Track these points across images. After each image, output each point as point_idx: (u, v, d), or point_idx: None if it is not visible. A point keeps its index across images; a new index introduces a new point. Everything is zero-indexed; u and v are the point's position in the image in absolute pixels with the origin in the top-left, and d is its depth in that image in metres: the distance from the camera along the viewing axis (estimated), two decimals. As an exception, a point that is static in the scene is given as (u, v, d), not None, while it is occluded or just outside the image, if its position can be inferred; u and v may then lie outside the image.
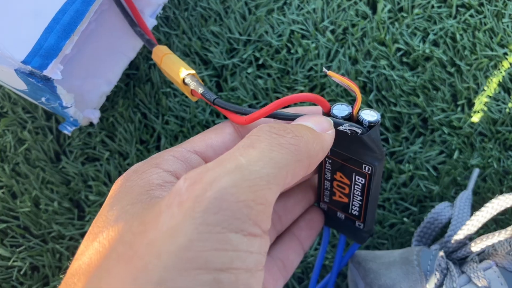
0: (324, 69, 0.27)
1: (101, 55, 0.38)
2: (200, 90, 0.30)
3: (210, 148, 0.27)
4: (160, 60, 0.34)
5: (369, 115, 0.27)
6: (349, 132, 0.27)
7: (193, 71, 0.31)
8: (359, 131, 0.27)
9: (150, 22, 0.39)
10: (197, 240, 0.18)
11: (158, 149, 0.42)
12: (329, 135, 0.25)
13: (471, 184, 0.39)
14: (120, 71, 0.38)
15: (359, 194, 0.30)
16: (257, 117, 0.27)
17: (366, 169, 0.29)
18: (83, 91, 0.37)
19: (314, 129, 0.25)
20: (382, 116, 0.42)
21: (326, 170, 0.31)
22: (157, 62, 0.35)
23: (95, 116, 0.37)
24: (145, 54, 0.43)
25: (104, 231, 0.21)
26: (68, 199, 0.41)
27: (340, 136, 0.26)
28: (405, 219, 0.40)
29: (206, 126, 0.42)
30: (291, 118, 0.26)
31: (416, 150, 0.42)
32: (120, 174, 0.42)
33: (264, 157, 0.21)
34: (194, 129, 0.42)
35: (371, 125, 0.27)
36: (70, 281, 0.20)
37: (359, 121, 0.27)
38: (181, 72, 0.31)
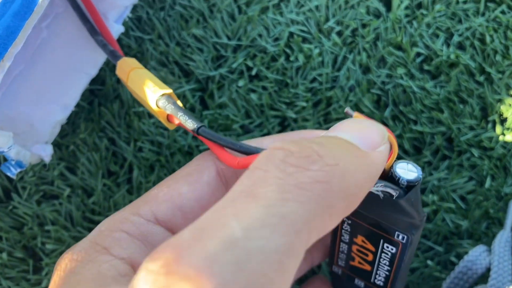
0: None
1: (55, 73, 0.30)
2: (180, 115, 0.23)
3: (179, 212, 0.20)
4: (127, 77, 0.26)
5: (407, 171, 0.20)
6: (381, 195, 0.20)
7: (169, 90, 0.24)
8: (395, 194, 0.20)
9: (116, 29, 0.31)
10: None
11: (129, 182, 0.34)
12: (381, 154, 0.17)
13: (509, 222, 0.33)
14: (79, 93, 0.31)
15: (387, 264, 0.23)
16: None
17: (400, 237, 0.22)
18: (32, 121, 0.29)
19: (356, 146, 0.17)
20: (400, 136, 0.35)
21: (343, 231, 0.24)
22: (122, 79, 0.27)
23: (46, 153, 0.29)
24: (112, 65, 0.35)
25: None
26: (20, 247, 0.34)
27: (368, 197, 0.19)
28: (429, 261, 0.34)
29: (188, 154, 0.35)
30: None
31: (440, 177, 0.35)
32: (84, 215, 0.34)
33: (271, 217, 0.13)
34: (173, 157, 0.34)
35: (410, 185, 0.20)
36: None
37: (393, 179, 0.20)
38: (154, 92, 0.24)
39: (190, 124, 0.22)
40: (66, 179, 0.34)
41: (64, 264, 0.18)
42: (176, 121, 0.24)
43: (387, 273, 0.23)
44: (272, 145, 0.16)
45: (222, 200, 0.14)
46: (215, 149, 0.21)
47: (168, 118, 0.24)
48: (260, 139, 0.22)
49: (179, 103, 0.23)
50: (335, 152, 0.15)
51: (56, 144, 0.34)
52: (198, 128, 0.22)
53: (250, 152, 0.20)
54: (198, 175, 0.21)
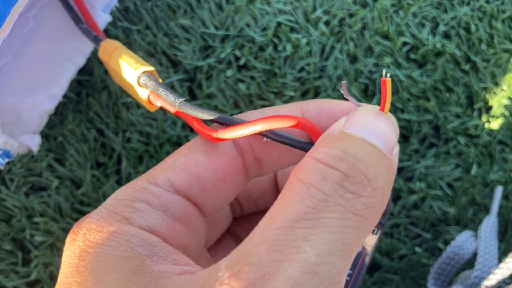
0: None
1: (42, 62, 0.30)
2: (161, 91, 0.22)
3: (197, 182, 0.20)
4: (109, 57, 0.26)
5: None
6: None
7: (151, 68, 0.24)
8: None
9: (103, 18, 0.31)
10: None
11: (118, 173, 0.34)
12: (396, 157, 0.19)
13: (495, 207, 0.33)
14: (66, 83, 0.31)
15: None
16: (235, 135, 0.20)
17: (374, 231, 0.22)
18: (19, 111, 0.29)
19: (384, 154, 0.18)
20: (388, 125, 0.36)
21: None
22: (105, 61, 0.27)
23: (34, 143, 0.29)
24: (99, 56, 0.35)
25: None
26: (9, 240, 0.34)
27: None
28: (417, 248, 0.34)
29: (177, 144, 0.35)
30: (297, 145, 0.20)
31: (428, 165, 0.35)
32: (73, 206, 0.34)
33: (336, 243, 0.15)
34: (162, 147, 0.34)
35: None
36: None
37: None
38: (136, 69, 0.23)
39: (171, 98, 0.21)
40: (55, 170, 0.34)
41: (81, 234, 0.17)
42: (158, 103, 0.23)
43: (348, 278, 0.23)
44: (321, 155, 0.17)
45: (285, 215, 0.15)
46: (195, 124, 0.21)
47: (150, 99, 0.23)
48: (265, 108, 0.22)
49: (161, 80, 0.23)
50: (377, 172, 0.17)
51: (44, 135, 0.34)
52: (180, 102, 0.21)
53: (234, 123, 0.20)
54: (214, 144, 0.20)
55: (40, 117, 0.30)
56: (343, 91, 0.19)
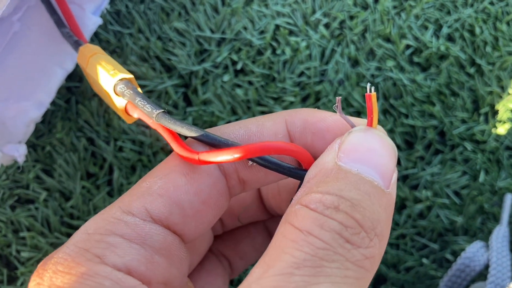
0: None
1: (28, 67, 0.28)
2: (138, 100, 0.20)
3: (177, 208, 0.18)
4: (86, 62, 0.24)
5: None
6: None
7: (130, 75, 0.22)
8: None
9: (93, 21, 0.29)
10: None
11: (110, 184, 0.33)
12: (395, 187, 0.18)
13: (505, 216, 0.32)
14: (54, 89, 0.29)
15: None
16: (219, 160, 0.18)
17: None
18: (3, 119, 0.27)
19: (382, 191, 0.17)
20: (392, 131, 0.34)
21: None
22: (82, 67, 0.25)
23: (20, 153, 0.27)
24: (89, 61, 0.34)
25: None
26: (-6, 256, 0.32)
27: None
28: (424, 259, 0.33)
29: (171, 152, 0.33)
30: (286, 172, 0.18)
31: (433, 172, 0.34)
32: (62, 220, 0.32)
33: None
34: (156, 156, 0.33)
35: None
36: None
37: None
38: (113, 76, 0.22)
39: (148, 109, 0.19)
40: (42, 182, 0.32)
41: (47, 277, 0.15)
42: (135, 114, 0.21)
43: None
44: (315, 204, 0.16)
45: (282, 262, 0.15)
46: (174, 141, 0.18)
47: (127, 109, 0.21)
48: (248, 121, 0.20)
49: (140, 90, 0.21)
50: (374, 218, 0.16)
51: (31, 145, 0.32)
52: (158, 114, 0.18)
53: (217, 144, 0.18)
54: (195, 168, 0.18)
55: (26, 126, 0.28)
56: (337, 109, 0.18)
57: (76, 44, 0.25)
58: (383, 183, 0.17)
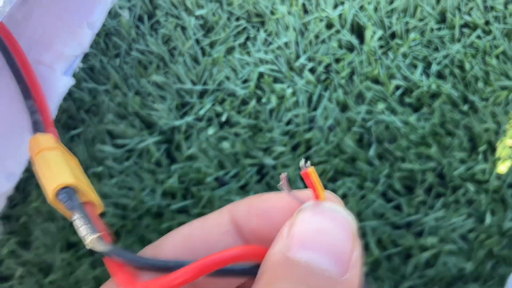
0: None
1: (-4, 135, 0.26)
2: (75, 217, 0.18)
3: None
4: (33, 159, 0.22)
5: None
6: None
7: (72, 182, 0.19)
8: None
9: (64, 83, 0.27)
10: None
11: (92, 254, 0.30)
12: (356, 269, 0.15)
13: (517, 261, 0.30)
14: (25, 157, 0.27)
15: None
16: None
17: None
18: (-30, 194, 0.25)
19: (335, 280, 0.14)
20: (389, 176, 0.32)
21: None
22: (32, 161, 0.23)
23: (-11, 233, 0.24)
24: (64, 121, 0.32)
25: None
26: None
27: None
28: (435, 313, 0.30)
29: (158, 215, 0.31)
30: (241, 273, 0.16)
31: (437, 217, 0.32)
32: (41, 295, 0.29)
33: None
34: (141, 220, 0.30)
35: None
36: None
37: None
38: (55, 180, 0.19)
39: (83, 232, 0.17)
40: (18, 256, 0.30)
41: None
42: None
43: None
44: None
45: None
46: (112, 271, 0.16)
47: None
48: (194, 221, 0.18)
49: (93, 196, 0.19)
50: None
51: (4, 216, 0.30)
52: (91, 239, 0.17)
53: (158, 268, 0.16)
54: None
55: (-5, 200, 0.26)
56: (284, 186, 0.16)
57: (34, 126, 0.23)
58: (338, 269, 0.15)
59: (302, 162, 0.16)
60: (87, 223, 0.17)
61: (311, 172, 0.15)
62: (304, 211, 0.16)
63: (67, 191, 0.19)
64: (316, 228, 0.15)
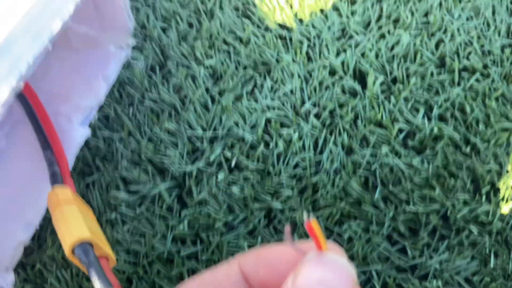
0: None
1: (15, 186, 0.27)
2: (91, 271, 0.19)
3: None
4: (52, 212, 0.23)
5: None
6: None
7: (88, 237, 0.21)
8: None
9: (81, 133, 0.28)
10: None
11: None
12: None
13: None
14: (43, 208, 0.28)
15: None
16: None
17: None
18: (-11, 244, 0.26)
19: None
20: (394, 219, 0.33)
21: None
22: (50, 212, 0.24)
23: (7, 283, 0.25)
24: (80, 168, 0.33)
25: None
26: None
27: None
28: None
29: (169, 261, 0.31)
30: None
31: (441, 260, 0.33)
32: None
33: None
34: (152, 266, 0.31)
35: None
36: None
37: None
38: (72, 235, 0.20)
39: (97, 286, 0.18)
40: (33, 302, 0.31)
41: None
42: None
43: None
44: None
45: None
46: None
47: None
48: (209, 273, 0.19)
49: (107, 250, 0.20)
50: None
51: (19, 264, 0.31)
52: None
53: None
54: None
55: (13, 250, 0.27)
56: (286, 237, 0.17)
57: (52, 177, 0.25)
58: None
59: (305, 215, 0.16)
60: (101, 278, 0.18)
61: (314, 224, 0.16)
62: (307, 262, 0.16)
63: (83, 247, 0.20)
64: (317, 279, 0.16)
